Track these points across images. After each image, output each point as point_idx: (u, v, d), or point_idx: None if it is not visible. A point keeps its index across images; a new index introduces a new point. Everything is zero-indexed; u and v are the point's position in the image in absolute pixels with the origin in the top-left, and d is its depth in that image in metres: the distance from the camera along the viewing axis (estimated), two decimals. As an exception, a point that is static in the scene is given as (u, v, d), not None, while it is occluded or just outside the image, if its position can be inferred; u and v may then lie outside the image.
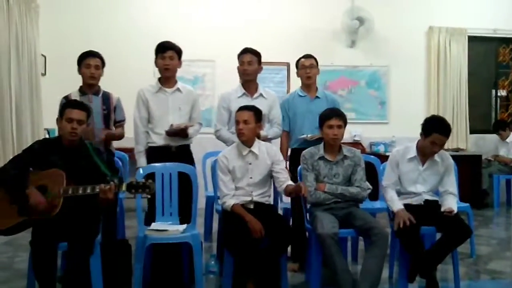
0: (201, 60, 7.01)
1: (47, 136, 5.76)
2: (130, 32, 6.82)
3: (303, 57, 4.48)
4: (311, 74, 4.41)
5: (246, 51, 4.28)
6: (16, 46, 5.15)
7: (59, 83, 5.96)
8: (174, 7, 7.04)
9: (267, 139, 4.16)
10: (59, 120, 3.47)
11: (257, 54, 4.29)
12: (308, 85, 4.45)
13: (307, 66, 4.40)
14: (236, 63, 4.33)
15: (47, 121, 5.76)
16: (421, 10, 7.57)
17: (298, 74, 4.51)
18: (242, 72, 4.28)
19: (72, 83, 4.20)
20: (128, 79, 5.85)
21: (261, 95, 4.33)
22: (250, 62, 4.24)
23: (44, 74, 6.14)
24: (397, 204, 3.75)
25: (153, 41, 4.14)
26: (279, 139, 4.42)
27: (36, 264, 3.11)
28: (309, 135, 4.20)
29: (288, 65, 7.24)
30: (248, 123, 3.73)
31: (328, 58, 4.74)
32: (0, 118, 4.69)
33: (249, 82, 4.31)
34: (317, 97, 4.43)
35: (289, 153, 4.45)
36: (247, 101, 4.18)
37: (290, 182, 3.79)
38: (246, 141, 3.79)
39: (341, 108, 4.16)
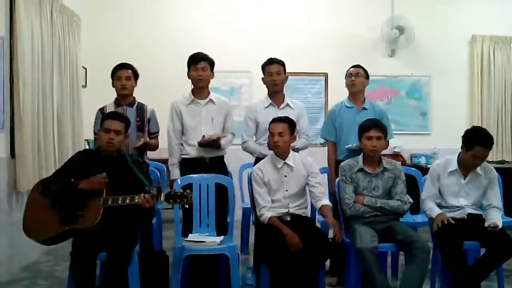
0: (238, 71, 7.02)
1: (87, 146, 5.87)
2: (168, 45, 6.89)
3: (352, 66, 4.44)
4: (356, 82, 4.34)
5: (273, 61, 4.28)
6: (59, 59, 5.27)
7: (99, 95, 6.07)
8: (211, 19, 7.08)
9: (295, 150, 4.12)
10: (99, 131, 3.53)
11: (283, 64, 4.29)
12: (354, 94, 4.37)
13: (353, 75, 4.35)
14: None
15: (87, 132, 5.86)
16: (464, 19, 7.39)
17: (346, 84, 4.45)
18: (271, 83, 4.27)
19: (111, 95, 4.28)
20: (166, 91, 5.90)
21: (288, 105, 4.31)
22: (278, 72, 4.24)
23: (84, 86, 6.27)
24: (436, 210, 3.70)
25: (190, 52, 4.16)
26: (306, 150, 4.36)
27: (76, 274, 3.16)
28: (354, 145, 4.13)
29: (326, 75, 7.19)
30: (282, 135, 3.70)
31: (367, 68, 4.68)
32: (43, 128, 4.79)
33: (276, 92, 4.30)
34: (364, 108, 4.36)
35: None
36: (273, 112, 4.17)
37: (326, 201, 3.75)
38: (281, 153, 3.76)
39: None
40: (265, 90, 6.65)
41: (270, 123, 3.80)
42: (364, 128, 3.74)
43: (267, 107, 4.28)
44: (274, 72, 4.23)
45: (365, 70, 4.40)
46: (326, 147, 4.45)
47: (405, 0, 7.17)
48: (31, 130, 4.55)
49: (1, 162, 4.29)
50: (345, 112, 4.37)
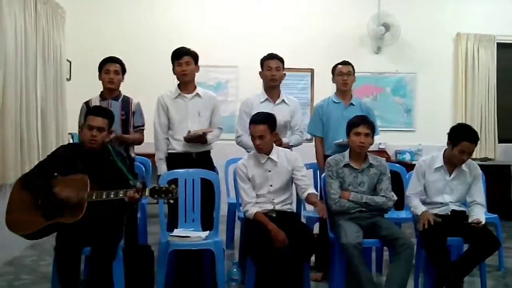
0: (224, 66, 7.00)
1: (71, 140, 5.82)
2: (154, 39, 6.83)
3: (340, 63, 4.43)
4: (348, 81, 4.36)
5: (273, 57, 4.27)
6: (43, 51, 5.21)
7: (84, 88, 6.00)
8: (197, 14, 7.04)
9: (289, 146, 4.12)
10: (82, 127, 3.49)
11: (282, 61, 4.29)
12: (344, 92, 4.39)
13: (344, 73, 4.35)
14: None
15: (71, 126, 5.80)
16: (449, 16, 7.44)
17: (334, 80, 4.45)
18: (270, 78, 4.25)
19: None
20: (152, 85, 5.87)
21: (283, 101, 4.32)
22: (277, 68, 4.24)
23: (69, 79, 6.20)
24: (421, 208, 3.73)
25: (176, 46, 4.13)
26: (302, 146, 4.38)
27: (60, 268, 3.14)
28: (343, 140, 4.14)
29: (312, 71, 7.20)
30: (263, 138, 3.68)
31: (353, 64, 4.73)
32: (26, 122, 4.74)
33: (273, 88, 4.29)
34: (351, 104, 4.38)
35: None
36: (269, 107, 4.16)
37: (312, 190, 3.76)
38: (265, 152, 3.76)
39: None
40: (251, 84, 6.64)
41: (250, 123, 3.76)
42: (352, 124, 3.75)
43: (262, 102, 4.28)
44: (273, 67, 4.23)
45: (353, 67, 4.41)
46: (313, 143, 4.46)
47: (392, -3, 7.20)
48: (14, 123, 4.49)
49: (-17, 156, 4.23)
50: (332, 107, 4.38)
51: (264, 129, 3.67)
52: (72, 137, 5.91)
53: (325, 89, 5.52)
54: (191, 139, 3.96)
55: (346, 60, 4.47)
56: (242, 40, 7.02)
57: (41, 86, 5.14)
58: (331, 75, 4.49)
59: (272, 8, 7.23)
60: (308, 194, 3.72)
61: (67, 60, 6.13)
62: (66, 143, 5.47)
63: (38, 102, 5.03)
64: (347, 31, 7.23)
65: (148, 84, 6.14)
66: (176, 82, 4.14)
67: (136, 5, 6.97)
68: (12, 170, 4.42)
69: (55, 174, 3.35)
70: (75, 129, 4.50)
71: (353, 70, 4.42)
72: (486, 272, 3.79)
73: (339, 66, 4.41)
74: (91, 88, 4.32)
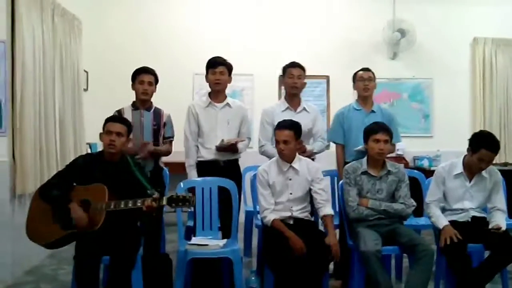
0: (239, 74, 6.97)
1: (89, 150, 5.86)
2: (171, 48, 6.88)
3: (361, 70, 4.42)
4: (370, 86, 4.34)
5: (296, 65, 4.28)
6: (60, 62, 5.27)
7: (101, 98, 6.08)
8: (213, 22, 7.08)
9: (312, 154, 4.10)
10: (102, 135, 3.52)
11: (304, 69, 4.30)
12: (365, 98, 4.37)
13: (365, 79, 4.33)
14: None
15: (89, 136, 5.86)
16: (465, 21, 7.38)
17: (355, 87, 4.44)
18: (291, 86, 4.26)
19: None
20: (169, 94, 5.89)
21: (304, 109, 4.31)
22: (299, 76, 4.24)
23: (86, 90, 6.26)
24: (442, 220, 3.67)
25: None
26: (323, 153, 4.37)
27: (80, 277, 3.16)
28: (363, 146, 4.12)
29: (327, 78, 7.19)
30: (288, 143, 3.67)
31: (370, 71, 4.82)
32: (45, 132, 4.79)
33: (294, 96, 4.29)
34: (372, 111, 4.35)
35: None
36: (290, 115, 4.14)
37: (328, 210, 3.71)
38: (287, 159, 3.75)
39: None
40: (266, 92, 6.67)
41: (275, 129, 3.77)
42: (371, 131, 3.72)
43: (284, 110, 4.27)
44: (295, 75, 4.23)
45: (373, 74, 4.40)
46: (329, 150, 4.45)
47: (407, 3, 7.15)
48: (33, 134, 4.55)
49: (3, 166, 4.28)
50: (353, 114, 4.35)
51: (290, 134, 3.67)
52: (90, 147, 5.95)
53: (341, 96, 5.49)
54: (223, 148, 4.00)
55: (365, 66, 4.46)
56: (257, 48, 7.04)
57: (59, 97, 5.20)
58: (346, 82, 4.48)
59: (287, 16, 7.24)
60: (324, 215, 3.68)
61: (84, 71, 6.19)
62: (84, 153, 5.51)
63: (56, 112, 5.09)
64: (363, 38, 7.21)
65: (165, 93, 6.17)
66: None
67: (151, 15, 7.02)
68: (32, 180, 4.47)
69: (74, 184, 3.38)
70: (93, 139, 4.56)
71: (374, 76, 4.40)
72: (508, 279, 3.73)
73: (360, 72, 4.40)
74: (108, 98, 4.38)
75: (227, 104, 4.15)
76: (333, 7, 7.31)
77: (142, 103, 4.19)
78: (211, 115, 4.11)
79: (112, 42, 6.82)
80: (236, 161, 4.20)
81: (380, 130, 3.69)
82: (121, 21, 6.96)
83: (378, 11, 7.18)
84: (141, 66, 4.27)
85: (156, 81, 4.25)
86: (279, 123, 3.79)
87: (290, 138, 3.67)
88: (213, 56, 4.17)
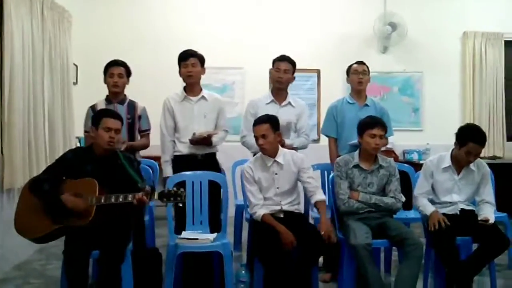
0: (230, 68, 7.00)
1: (78, 144, 5.84)
2: (161, 42, 6.85)
3: (355, 63, 4.42)
4: (364, 80, 4.35)
5: (284, 58, 4.23)
6: (50, 56, 5.23)
7: (90, 92, 6.02)
8: (202, 16, 7.06)
9: (292, 149, 4.10)
10: (93, 129, 3.48)
11: (293, 64, 4.24)
12: (359, 91, 4.38)
13: (360, 72, 4.34)
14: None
15: (79, 130, 5.81)
16: (455, 15, 7.40)
17: (349, 80, 4.44)
18: (276, 79, 4.23)
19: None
20: (158, 88, 5.88)
21: (289, 103, 4.28)
22: (286, 71, 4.20)
23: (75, 83, 6.22)
24: (430, 208, 3.71)
25: (182, 50, 4.14)
26: (313, 147, 4.35)
27: (69, 272, 3.14)
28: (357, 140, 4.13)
29: (318, 72, 7.18)
30: (266, 137, 3.66)
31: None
32: (34, 125, 4.76)
33: (279, 90, 4.27)
34: (366, 104, 4.36)
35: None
36: (275, 109, 4.14)
37: (320, 195, 3.72)
38: (270, 153, 3.74)
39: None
40: (257, 86, 6.66)
41: (253, 125, 3.75)
42: (366, 125, 3.70)
43: (268, 103, 4.24)
44: (281, 69, 4.19)
45: (367, 67, 4.41)
46: (319, 144, 4.45)
47: (398, -4, 7.17)
48: (21, 127, 4.51)
49: (-9, 161, 4.25)
50: (347, 108, 4.36)
51: (267, 128, 3.66)
52: (80, 141, 5.92)
53: (332, 89, 5.51)
54: (196, 141, 3.97)
55: (359, 60, 4.46)
56: (248, 41, 7.03)
57: (48, 91, 5.17)
58: (337, 75, 4.51)
59: (278, 9, 7.22)
60: (317, 201, 3.69)
61: (74, 64, 6.15)
62: (73, 147, 5.49)
63: (45, 106, 5.05)
64: (354, 31, 7.22)
65: (154, 87, 6.16)
66: (181, 84, 4.15)
67: (142, 9, 6.99)
68: (20, 174, 4.44)
69: (64, 178, 3.36)
70: (82, 133, 4.51)
71: (368, 70, 4.41)
72: (496, 271, 3.77)
73: (354, 65, 4.40)
74: (97, 92, 4.33)
75: (203, 97, 4.11)
76: (324, 0, 7.29)
77: (114, 96, 4.16)
78: (186, 109, 4.07)
79: (102, 35, 6.78)
80: (213, 154, 4.16)
81: (377, 125, 3.68)
82: (111, 14, 6.92)
83: (369, 5, 7.20)
84: (127, 59, 4.25)
85: (128, 73, 4.21)
86: (255, 120, 3.78)
87: (267, 131, 3.65)
88: (190, 50, 4.11)
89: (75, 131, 5.86)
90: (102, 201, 3.24)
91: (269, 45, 6.70)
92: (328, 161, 4.46)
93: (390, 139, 4.42)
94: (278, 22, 7.17)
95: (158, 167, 4.54)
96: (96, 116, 3.57)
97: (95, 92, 4.43)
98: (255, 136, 3.72)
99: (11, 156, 4.37)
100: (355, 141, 4.07)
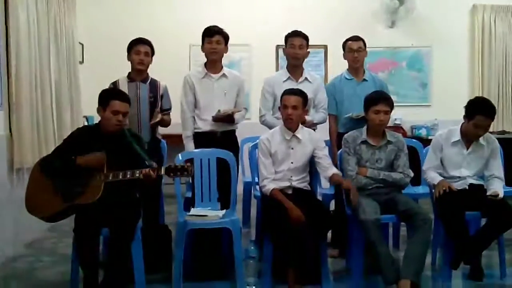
0: (236, 45, 6.89)
1: (86, 123, 5.84)
2: (166, 20, 6.79)
3: (350, 39, 4.34)
4: (359, 57, 4.29)
5: (297, 34, 4.17)
6: (55, 35, 5.21)
7: (96, 71, 6.04)
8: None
9: (312, 124, 4.08)
10: (100, 109, 3.47)
11: (307, 39, 4.19)
12: (355, 68, 4.33)
13: (354, 50, 4.27)
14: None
15: (85, 109, 5.83)
16: (464, -13, 7.30)
17: (345, 57, 4.39)
18: (293, 56, 4.18)
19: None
20: (166, 67, 5.84)
21: (306, 79, 4.24)
22: (301, 46, 4.15)
23: (82, 62, 6.21)
24: (438, 178, 3.71)
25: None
26: (326, 124, 4.34)
27: (79, 250, 3.19)
28: (354, 114, 4.10)
29: (325, 47, 7.13)
30: (296, 109, 3.66)
31: (367, 39, 4.63)
32: (42, 105, 4.77)
33: (295, 66, 4.23)
34: (364, 79, 4.32)
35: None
36: (292, 86, 4.08)
37: (334, 169, 3.72)
38: (292, 126, 3.73)
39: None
40: (264, 62, 6.61)
41: (283, 94, 3.74)
42: (372, 101, 3.67)
43: (285, 80, 4.19)
44: (296, 45, 4.14)
45: (364, 42, 4.33)
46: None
47: (405, -30, 7.06)
48: (29, 107, 4.52)
49: (0, 140, 4.27)
50: (345, 84, 4.33)
51: (298, 100, 3.66)
52: (87, 120, 5.93)
53: (340, 65, 5.39)
54: (220, 118, 3.97)
55: (359, 35, 4.37)
56: (254, 17, 6.96)
57: (55, 70, 5.16)
58: (343, 51, 4.42)
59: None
60: (333, 173, 3.69)
61: (80, 43, 6.13)
62: (81, 125, 5.50)
63: (52, 85, 5.06)
64: (361, 6, 7.15)
65: (161, 64, 6.12)
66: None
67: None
68: (30, 153, 4.46)
69: (73, 157, 3.37)
70: (89, 112, 4.53)
71: (364, 45, 4.32)
72: (505, 246, 3.76)
73: (349, 42, 4.32)
74: (104, 70, 4.35)
75: (224, 74, 4.10)
76: (330, -25, 7.20)
77: (138, 74, 4.13)
78: (207, 86, 4.06)
79: (107, 13, 6.74)
80: (233, 132, 4.17)
81: (381, 101, 3.64)
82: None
83: (376, -21, 7.09)
84: (137, 37, 4.22)
85: (153, 52, 4.18)
86: (286, 90, 3.76)
87: (298, 103, 3.66)
88: (216, 26, 4.09)
89: (83, 110, 5.87)
90: (110, 178, 3.25)
91: (275, 21, 6.64)
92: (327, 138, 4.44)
93: (397, 114, 4.40)
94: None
95: (166, 144, 4.53)
96: (103, 96, 3.51)
97: (101, 70, 4.45)
98: (284, 105, 3.70)
99: (20, 136, 4.39)
100: (349, 114, 4.06)
